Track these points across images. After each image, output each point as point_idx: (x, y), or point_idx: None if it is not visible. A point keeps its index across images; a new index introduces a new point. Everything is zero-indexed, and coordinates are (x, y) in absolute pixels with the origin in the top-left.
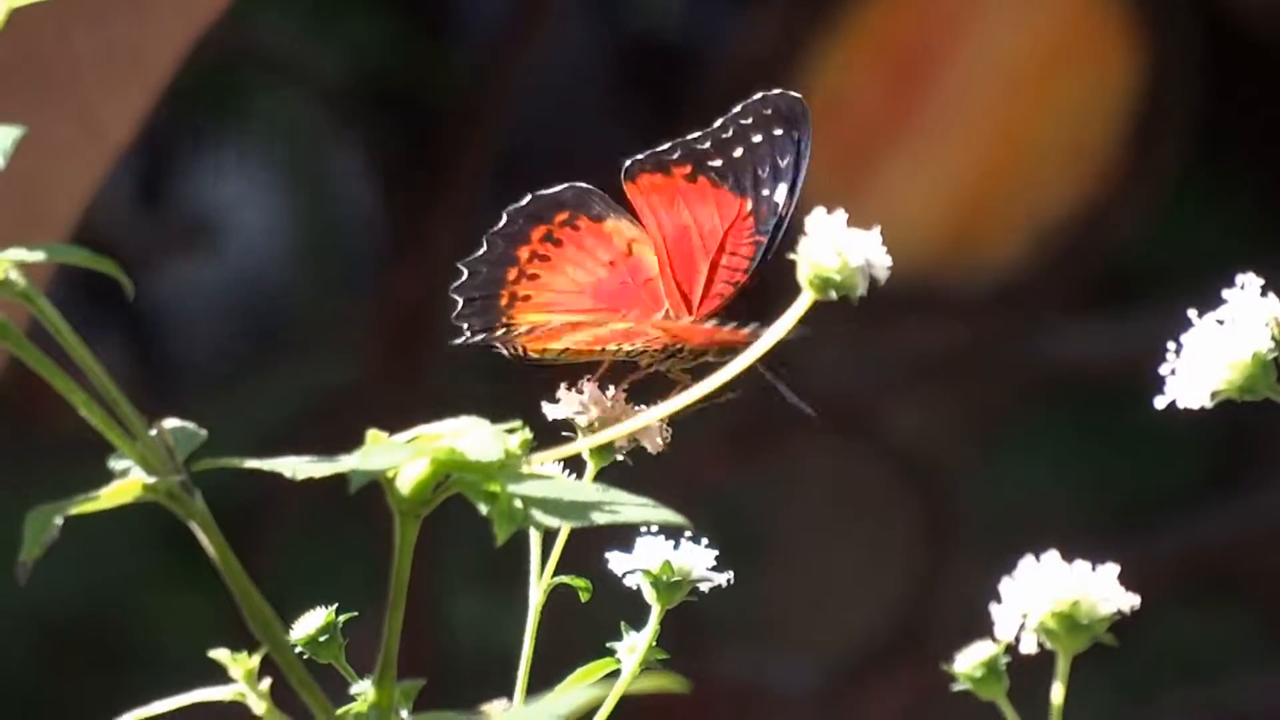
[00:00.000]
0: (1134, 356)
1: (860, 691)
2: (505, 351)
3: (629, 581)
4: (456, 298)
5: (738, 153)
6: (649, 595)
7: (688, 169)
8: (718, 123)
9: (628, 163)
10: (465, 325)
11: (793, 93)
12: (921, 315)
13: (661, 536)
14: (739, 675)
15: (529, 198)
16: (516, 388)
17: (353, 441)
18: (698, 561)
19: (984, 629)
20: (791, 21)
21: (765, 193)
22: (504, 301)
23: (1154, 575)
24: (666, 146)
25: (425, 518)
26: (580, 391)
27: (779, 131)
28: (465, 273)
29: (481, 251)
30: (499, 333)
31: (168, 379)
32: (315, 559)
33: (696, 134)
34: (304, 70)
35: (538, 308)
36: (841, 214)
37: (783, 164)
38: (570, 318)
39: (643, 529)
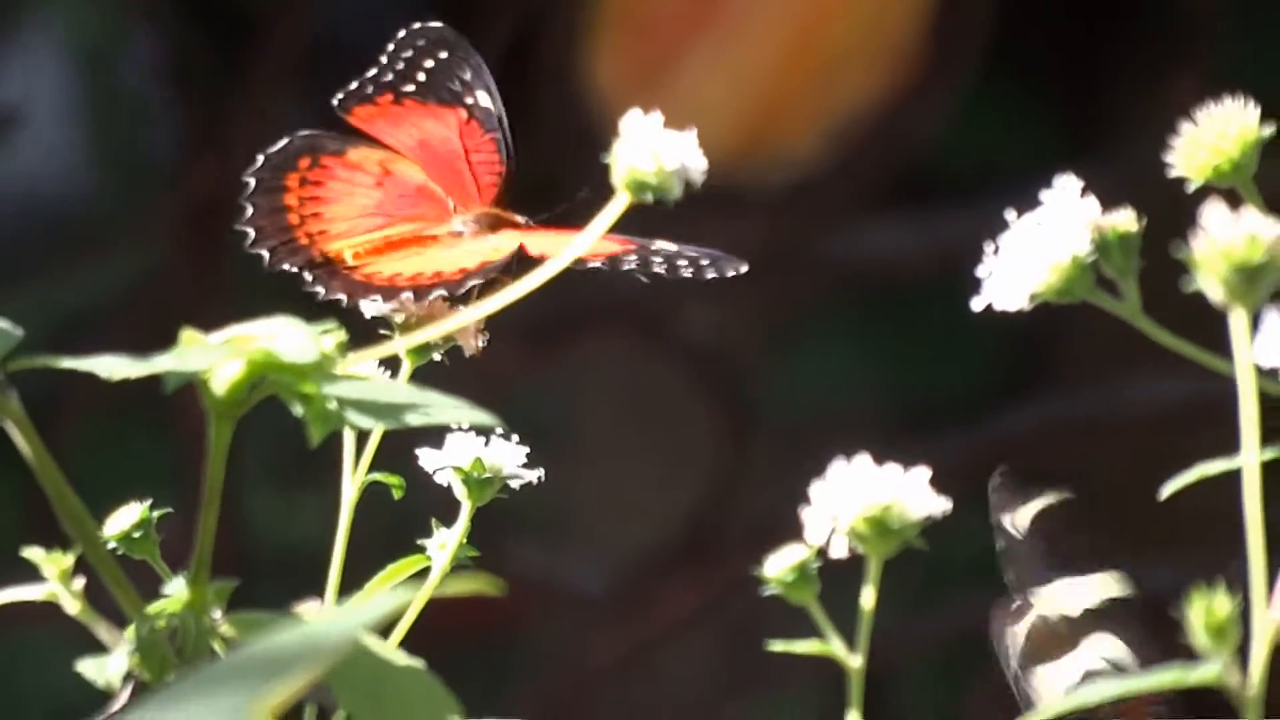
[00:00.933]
0: (930, 256)
1: (655, 590)
2: (343, 298)
3: (440, 479)
4: (261, 252)
5: (421, 77)
6: (460, 492)
7: (390, 96)
8: (383, 60)
9: (335, 103)
10: (289, 268)
11: (434, 23)
12: (718, 212)
13: (473, 434)
14: (535, 573)
15: (260, 161)
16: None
17: (152, 335)
18: (508, 458)
19: (780, 528)
20: None
21: (471, 101)
22: (304, 242)
23: (948, 476)
24: (355, 85)
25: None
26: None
27: (444, 55)
28: (252, 233)
29: (249, 214)
30: (334, 283)
31: None
32: (114, 455)
33: (372, 72)
34: None
35: (339, 236)
36: (657, 116)
37: (467, 77)
38: (379, 235)
39: (454, 426)
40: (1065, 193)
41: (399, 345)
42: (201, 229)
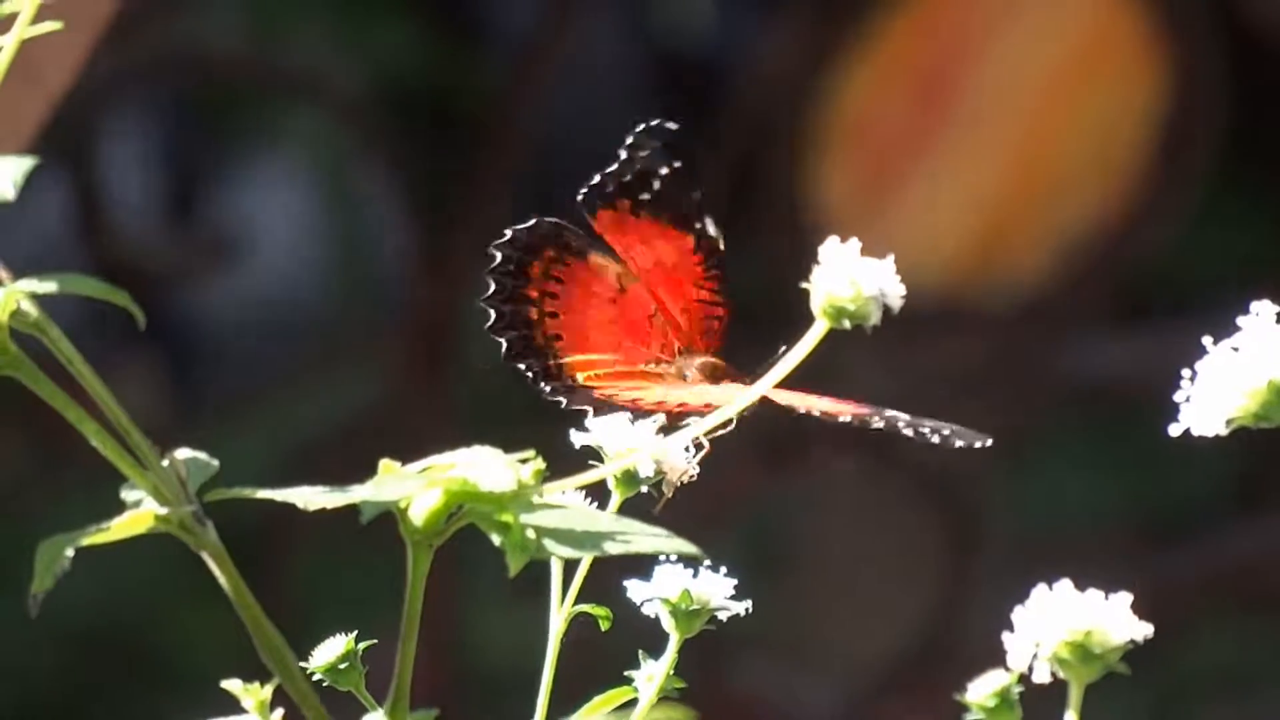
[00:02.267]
0: (1160, 371)
1: (884, 711)
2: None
3: (647, 610)
4: (500, 340)
5: (656, 185)
6: (667, 624)
7: (628, 203)
8: (622, 155)
9: (580, 199)
10: (525, 369)
11: (669, 123)
12: (948, 331)
13: (680, 564)
14: (761, 692)
15: (508, 235)
16: (543, 405)
17: (382, 456)
18: (716, 590)
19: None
20: (818, 37)
21: (699, 226)
22: (540, 343)
23: (1185, 590)
24: (597, 180)
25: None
26: (609, 420)
27: (679, 164)
28: (492, 313)
29: (493, 292)
30: (575, 397)
31: (199, 395)
32: (338, 577)
33: (612, 168)
34: (331, 84)
35: (575, 348)
36: (855, 243)
37: (697, 197)
38: (610, 359)
39: (661, 556)
40: (1261, 317)
41: (606, 473)
42: (430, 350)
